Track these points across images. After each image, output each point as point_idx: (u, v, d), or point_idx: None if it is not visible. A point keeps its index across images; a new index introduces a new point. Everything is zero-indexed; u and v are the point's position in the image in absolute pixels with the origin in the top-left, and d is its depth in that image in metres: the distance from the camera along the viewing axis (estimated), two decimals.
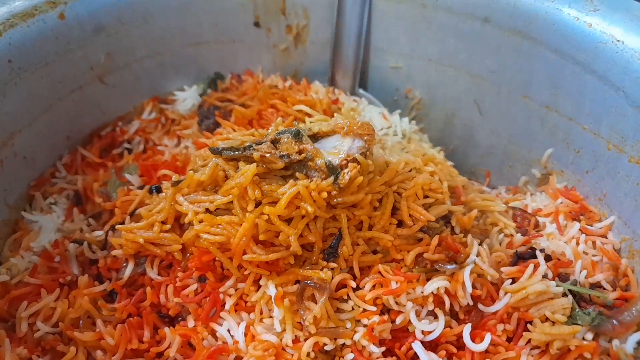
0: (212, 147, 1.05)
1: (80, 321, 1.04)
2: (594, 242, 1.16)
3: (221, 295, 1.02)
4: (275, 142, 1.00)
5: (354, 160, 0.98)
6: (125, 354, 0.99)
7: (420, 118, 1.59)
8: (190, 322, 1.01)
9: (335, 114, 1.29)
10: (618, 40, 1.12)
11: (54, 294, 1.07)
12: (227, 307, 1.01)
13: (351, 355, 0.97)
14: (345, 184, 0.96)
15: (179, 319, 1.04)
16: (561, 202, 1.25)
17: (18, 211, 1.27)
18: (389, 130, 1.42)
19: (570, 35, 1.19)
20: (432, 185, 1.09)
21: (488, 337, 0.97)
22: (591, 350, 0.97)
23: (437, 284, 0.99)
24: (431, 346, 1.00)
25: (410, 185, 1.07)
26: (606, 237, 1.17)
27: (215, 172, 1.02)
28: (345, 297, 1.00)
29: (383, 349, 0.98)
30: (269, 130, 1.07)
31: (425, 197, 1.08)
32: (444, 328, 0.99)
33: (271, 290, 0.98)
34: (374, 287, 1.00)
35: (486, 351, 0.98)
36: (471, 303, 1.01)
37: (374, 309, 0.98)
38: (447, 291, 1.00)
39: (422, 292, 0.99)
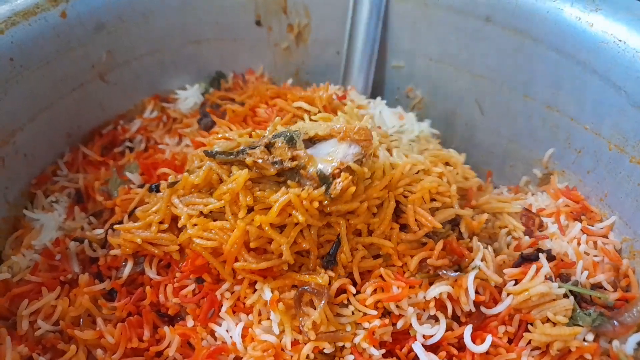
0: (206, 150, 1.04)
1: (81, 319, 1.04)
2: (595, 243, 1.15)
3: (219, 297, 1.01)
4: (269, 146, 0.99)
5: (348, 168, 0.96)
6: (125, 352, 0.99)
7: (421, 117, 1.58)
8: (190, 322, 1.01)
9: (339, 112, 1.27)
10: (620, 40, 1.11)
11: (55, 292, 1.07)
12: (223, 309, 1.00)
13: (351, 357, 0.96)
14: (336, 194, 0.94)
15: (179, 318, 1.04)
16: (562, 202, 1.25)
17: (19, 209, 1.27)
18: (401, 128, 1.39)
19: (572, 35, 1.19)
20: (440, 189, 1.07)
21: (489, 339, 0.97)
22: (592, 351, 0.97)
23: (439, 289, 0.98)
24: (432, 347, 0.99)
25: (417, 188, 1.05)
26: (607, 238, 1.17)
27: (209, 176, 1.03)
28: (346, 302, 0.99)
29: (383, 351, 0.97)
30: (267, 131, 1.06)
31: (433, 200, 1.06)
32: (446, 331, 0.98)
33: (267, 294, 0.97)
34: (374, 291, 0.99)
35: (487, 352, 0.97)
36: (474, 310, 1.01)
37: (374, 312, 0.97)
38: (449, 296, 1.00)
39: (424, 297, 0.99)
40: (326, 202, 0.95)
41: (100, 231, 1.16)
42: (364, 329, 0.97)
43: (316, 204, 0.94)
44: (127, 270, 1.07)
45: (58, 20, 1.27)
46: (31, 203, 1.30)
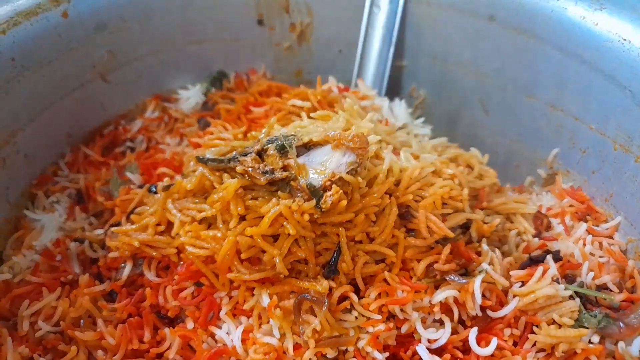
0: (198, 156, 1.04)
1: (81, 320, 1.04)
2: (600, 243, 1.14)
3: (218, 300, 1.00)
4: (262, 152, 0.97)
5: (340, 179, 0.93)
6: (125, 354, 0.99)
7: (424, 117, 1.58)
8: (190, 324, 1.00)
9: (339, 111, 1.22)
10: (625, 39, 1.11)
11: (56, 293, 1.06)
12: (222, 313, 0.99)
13: None
14: (327, 208, 0.91)
15: (179, 320, 1.03)
16: (567, 203, 1.24)
17: (19, 209, 1.26)
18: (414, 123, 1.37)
19: (576, 34, 1.18)
20: (452, 193, 1.05)
21: (494, 342, 0.95)
22: (597, 353, 0.96)
23: (445, 293, 0.97)
24: (436, 350, 0.98)
25: (429, 193, 1.03)
26: (612, 238, 1.16)
27: (201, 182, 1.02)
28: (349, 307, 0.97)
29: (387, 354, 0.96)
30: (262, 132, 1.05)
31: (444, 204, 1.04)
32: (451, 335, 0.97)
33: (264, 300, 0.95)
34: (379, 295, 0.97)
35: (492, 355, 0.96)
36: (480, 314, 0.99)
37: (379, 317, 0.95)
38: (455, 300, 0.98)
39: (430, 302, 0.97)
40: (316, 215, 0.92)
41: (100, 231, 1.16)
42: (368, 332, 0.95)
43: (307, 217, 0.92)
44: (126, 272, 1.07)
45: (59, 20, 1.27)
46: (32, 203, 1.29)
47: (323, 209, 0.91)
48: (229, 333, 0.98)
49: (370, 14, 1.50)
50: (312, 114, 1.18)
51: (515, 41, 1.30)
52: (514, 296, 1.00)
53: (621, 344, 0.97)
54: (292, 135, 1.00)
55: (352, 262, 0.97)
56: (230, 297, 1.00)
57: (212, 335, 0.99)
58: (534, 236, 1.16)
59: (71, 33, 1.29)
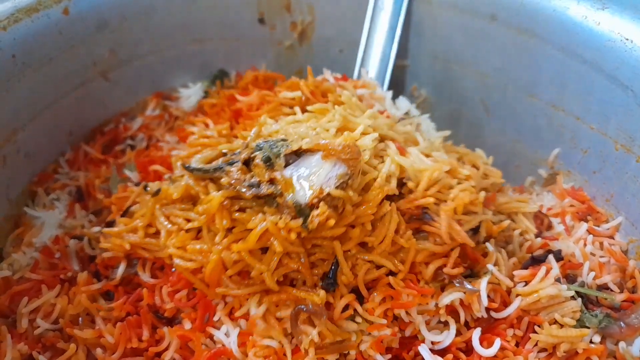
0: (184, 164, 1.02)
1: (80, 318, 1.03)
2: (601, 243, 1.14)
3: (214, 302, 0.99)
4: (249, 161, 0.94)
5: (328, 196, 0.88)
6: (124, 352, 0.98)
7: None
8: (187, 325, 0.98)
9: (336, 106, 1.16)
10: (627, 39, 1.10)
11: (55, 290, 1.06)
12: (216, 318, 0.97)
13: None
14: (314, 228, 0.87)
15: (176, 321, 1.02)
16: (568, 203, 1.23)
17: (20, 207, 1.26)
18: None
19: (578, 34, 1.18)
20: (471, 197, 1.02)
21: (497, 342, 0.94)
22: (599, 353, 0.95)
23: (452, 296, 0.95)
24: (439, 351, 0.96)
25: (450, 196, 1.00)
26: (613, 238, 1.16)
27: (187, 191, 1.01)
28: (352, 314, 0.94)
29: (389, 356, 0.94)
30: (251, 133, 1.03)
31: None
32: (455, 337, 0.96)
33: (254, 311, 0.93)
34: (383, 299, 0.94)
35: (494, 356, 0.95)
36: (485, 316, 0.98)
37: (384, 321, 0.92)
38: (461, 302, 0.97)
39: (437, 305, 0.95)
40: (303, 234, 0.89)
41: (97, 229, 1.15)
42: (369, 334, 0.93)
43: (294, 236, 0.88)
44: (119, 272, 1.06)
45: (60, 18, 1.27)
46: (32, 201, 1.29)
47: (310, 229, 0.88)
48: (228, 335, 0.96)
49: (373, 13, 1.50)
50: (308, 107, 1.15)
51: (516, 41, 1.30)
52: (517, 295, 1.00)
53: (622, 344, 0.97)
54: (281, 141, 0.97)
55: (352, 273, 0.93)
56: (226, 303, 0.98)
57: (211, 336, 0.97)
58: (536, 236, 1.15)
59: (72, 30, 1.29)
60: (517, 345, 0.98)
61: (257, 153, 0.95)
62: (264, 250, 0.92)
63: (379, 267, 0.96)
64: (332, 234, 0.91)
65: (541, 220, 1.18)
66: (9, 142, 1.22)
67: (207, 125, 1.29)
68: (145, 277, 1.04)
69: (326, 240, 0.93)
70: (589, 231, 1.16)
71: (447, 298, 0.96)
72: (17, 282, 1.10)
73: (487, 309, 0.99)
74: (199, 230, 0.99)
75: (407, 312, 0.95)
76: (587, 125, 1.22)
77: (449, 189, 1.03)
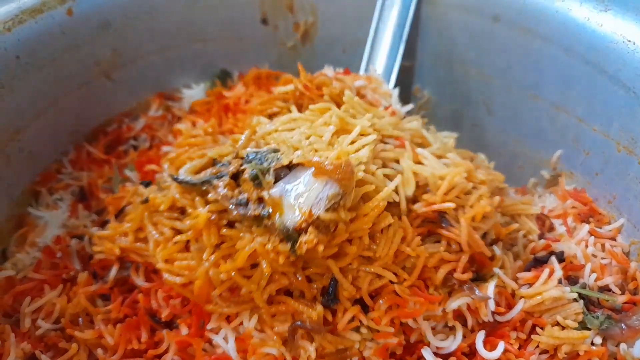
0: (171, 174, 1.01)
1: (80, 318, 1.04)
2: (602, 245, 1.14)
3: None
4: (236, 176, 0.92)
5: (317, 220, 0.85)
6: (125, 353, 0.98)
7: (428, 117, 1.57)
8: (184, 330, 0.97)
9: (326, 93, 1.14)
10: (629, 40, 1.10)
11: (57, 290, 1.07)
12: (209, 327, 0.95)
13: None
14: (302, 253, 0.84)
15: (174, 325, 1.00)
16: (570, 204, 1.23)
17: (23, 206, 1.27)
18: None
19: (581, 35, 1.18)
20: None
21: (501, 346, 0.94)
22: (600, 355, 0.95)
23: (459, 301, 0.94)
24: (443, 354, 0.95)
25: (469, 203, 0.98)
26: (615, 240, 1.15)
27: (173, 204, 0.99)
28: (358, 324, 0.92)
29: None
30: (242, 137, 1.01)
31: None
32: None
33: (246, 324, 0.92)
34: (389, 307, 0.92)
35: (498, 359, 0.94)
36: (492, 320, 0.98)
37: (391, 330, 0.91)
38: (468, 307, 0.96)
39: (444, 310, 0.94)
40: (292, 259, 0.86)
41: (96, 228, 1.16)
42: (371, 339, 0.92)
43: (282, 259, 0.85)
44: (111, 274, 1.06)
45: (64, 18, 1.27)
46: (35, 201, 1.30)
47: (298, 254, 0.85)
48: (226, 340, 0.94)
49: (382, 10, 1.49)
50: (311, 106, 1.11)
51: (519, 42, 1.30)
52: (520, 297, 1.00)
53: (623, 346, 0.97)
54: (272, 152, 0.94)
55: (353, 286, 0.90)
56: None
57: (209, 341, 0.96)
58: (538, 237, 1.15)
59: (75, 31, 1.30)
60: (519, 347, 0.98)
61: (246, 166, 0.92)
62: (255, 263, 0.90)
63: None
64: (324, 254, 0.88)
65: (543, 221, 1.18)
66: (13, 141, 1.22)
67: (194, 124, 1.28)
68: (139, 281, 1.04)
69: (318, 259, 0.90)
70: (590, 233, 1.16)
71: (454, 303, 0.95)
72: (21, 282, 1.10)
73: (492, 313, 0.99)
74: (187, 241, 0.97)
75: (414, 319, 0.93)
76: (589, 127, 1.22)
77: (466, 194, 1.01)
